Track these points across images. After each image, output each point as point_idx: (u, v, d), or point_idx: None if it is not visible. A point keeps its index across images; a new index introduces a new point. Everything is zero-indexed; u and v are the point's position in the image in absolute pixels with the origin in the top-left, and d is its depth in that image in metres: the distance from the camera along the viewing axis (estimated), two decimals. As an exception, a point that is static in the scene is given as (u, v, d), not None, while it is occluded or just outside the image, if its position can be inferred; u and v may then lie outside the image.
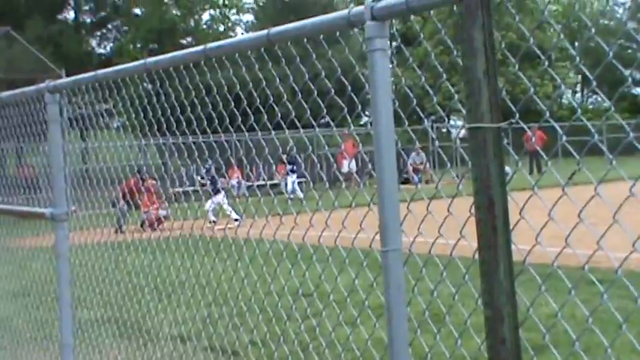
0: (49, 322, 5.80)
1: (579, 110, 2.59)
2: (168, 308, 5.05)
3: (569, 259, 2.42)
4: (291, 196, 26.70)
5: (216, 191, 19.38)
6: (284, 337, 3.68)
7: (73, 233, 4.98)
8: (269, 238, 3.55)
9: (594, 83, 2.83)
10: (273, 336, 3.74)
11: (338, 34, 2.98)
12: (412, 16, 2.69)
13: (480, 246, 2.24)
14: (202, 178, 18.20)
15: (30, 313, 6.28)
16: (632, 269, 4.78)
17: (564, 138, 2.30)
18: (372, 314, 3.12)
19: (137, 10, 49.21)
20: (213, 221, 17.31)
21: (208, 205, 18.51)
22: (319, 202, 3.16)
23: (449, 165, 3.16)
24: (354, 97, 3.19)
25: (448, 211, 2.56)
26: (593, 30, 2.28)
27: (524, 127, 2.90)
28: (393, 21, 2.81)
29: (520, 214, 2.34)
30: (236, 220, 17.77)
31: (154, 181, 15.43)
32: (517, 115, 2.48)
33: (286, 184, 27.84)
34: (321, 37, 3.07)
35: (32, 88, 5.04)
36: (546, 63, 2.67)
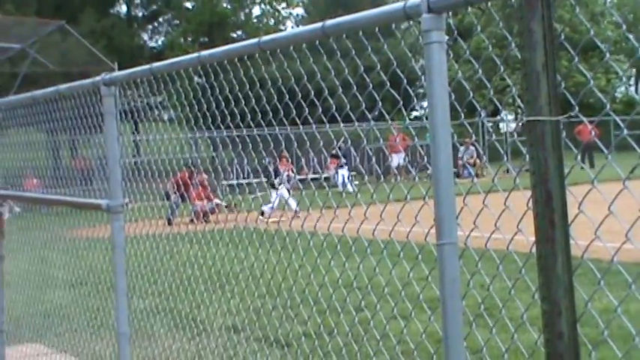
0: (106, 310, 5.90)
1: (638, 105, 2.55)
2: (221, 299, 5.10)
3: (623, 255, 2.39)
4: (343, 189, 26.74)
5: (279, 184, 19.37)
6: (337, 330, 3.70)
7: (127, 225, 5.05)
8: (323, 231, 3.56)
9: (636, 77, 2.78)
10: (327, 328, 3.76)
11: (393, 26, 2.98)
12: (469, 8, 2.67)
13: (537, 240, 2.23)
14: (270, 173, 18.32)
15: (86, 301, 6.40)
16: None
17: (625, 131, 2.27)
18: (427, 307, 3.12)
19: (188, 4, 49.61)
20: (267, 214, 17.23)
21: (274, 198, 18.38)
22: (374, 195, 3.16)
23: (506, 158, 3.14)
24: (408, 89, 3.18)
25: (505, 204, 2.54)
26: None
27: (584, 119, 2.86)
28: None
29: (579, 208, 2.32)
30: (295, 212, 17.76)
31: (205, 176, 15.52)
32: (577, 109, 2.45)
33: (337, 178, 27.86)
34: (376, 29, 3.06)
35: (88, 80, 5.10)
36: (606, 54, 2.63)
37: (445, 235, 2.57)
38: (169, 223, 13.88)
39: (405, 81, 3.06)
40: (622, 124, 2.35)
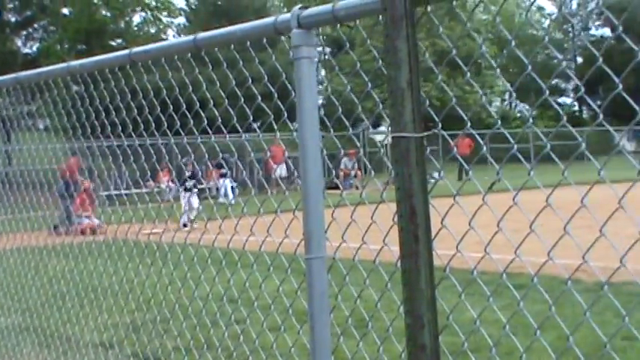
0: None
1: (498, 119, 2.59)
2: (90, 315, 4.97)
3: (492, 265, 2.46)
4: (223, 200, 26.59)
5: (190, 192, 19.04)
6: (208, 344, 3.67)
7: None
8: (195, 244, 3.52)
9: (511, 90, 2.88)
10: (197, 343, 3.72)
11: (265, 40, 2.98)
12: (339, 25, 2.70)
13: (401, 254, 2.26)
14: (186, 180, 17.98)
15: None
16: (549, 274, 4.89)
17: (484, 146, 2.35)
18: (297, 321, 3.13)
19: (65, 10, 48.31)
20: (185, 225, 16.88)
21: (184, 207, 17.96)
22: (244, 209, 3.15)
23: (372, 173, 3.18)
24: (280, 103, 3.19)
25: (372, 219, 2.57)
26: (513, 42, 2.31)
27: (446, 136, 2.94)
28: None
29: (442, 222, 2.38)
30: (192, 221, 17.45)
31: (90, 184, 15.10)
32: (440, 125, 2.51)
33: (218, 189, 27.66)
34: (249, 42, 3.06)
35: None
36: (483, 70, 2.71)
37: (313, 249, 2.59)
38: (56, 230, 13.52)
39: (279, 94, 3.06)
40: (481, 140, 2.42)
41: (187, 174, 18.95)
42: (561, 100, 60.46)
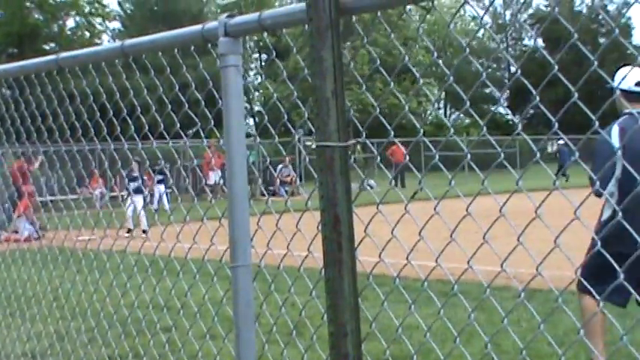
0: None
1: (421, 129, 2.61)
2: (12, 325, 4.87)
3: (421, 270, 2.49)
4: (157, 207, 26.35)
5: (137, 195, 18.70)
6: (133, 353, 3.63)
7: None
8: (121, 251, 3.49)
9: (441, 100, 2.93)
10: (123, 351, 3.68)
11: (193, 48, 2.97)
12: (266, 33, 2.71)
13: (325, 263, 2.28)
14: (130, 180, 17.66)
15: None
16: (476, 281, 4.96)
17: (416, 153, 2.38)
18: (222, 328, 3.12)
19: (-5, 13, 47.35)
20: (129, 230, 16.57)
21: (130, 212, 17.58)
22: (171, 217, 3.13)
23: (300, 181, 3.20)
24: (211, 110, 3.18)
25: (297, 227, 2.59)
26: (467, 50, 2.35)
27: (370, 145, 2.96)
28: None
29: (365, 231, 2.40)
30: (144, 231, 17.16)
31: (33, 187, 14.80)
32: (364, 135, 2.54)
33: (152, 195, 27.39)
34: (177, 49, 3.04)
35: None
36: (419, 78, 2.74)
37: (239, 258, 2.59)
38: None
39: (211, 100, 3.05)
40: (403, 148, 2.45)
41: (133, 175, 18.69)
42: (494, 108, 61.46)
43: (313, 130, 2.33)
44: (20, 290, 4.52)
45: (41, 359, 5.40)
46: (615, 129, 5.09)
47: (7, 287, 4.60)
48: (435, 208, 2.20)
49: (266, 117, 3.15)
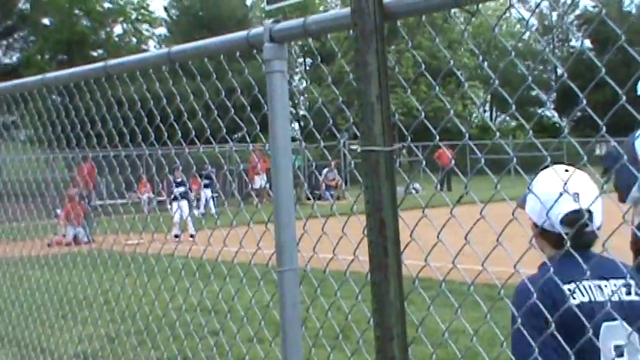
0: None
1: (468, 132, 2.61)
2: (65, 327, 4.95)
3: (467, 273, 2.47)
4: (204, 211, 26.56)
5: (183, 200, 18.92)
6: (182, 356, 3.67)
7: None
8: (168, 255, 3.53)
9: (486, 104, 2.92)
10: (171, 354, 3.72)
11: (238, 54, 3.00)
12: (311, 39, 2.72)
13: (371, 267, 2.28)
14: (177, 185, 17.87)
15: None
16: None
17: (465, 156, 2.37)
18: (269, 332, 3.14)
19: (46, 21, 48.16)
20: (177, 235, 16.73)
21: (177, 217, 17.79)
22: (217, 221, 3.16)
23: (345, 185, 3.21)
24: (256, 114, 3.19)
25: (342, 231, 2.60)
26: (512, 53, 2.34)
27: (415, 149, 2.96)
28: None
29: (410, 235, 2.40)
30: (192, 236, 17.39)
31: (76, 190, 14.99)
32: (409, 139, 2.54)
33: (199, 200, 27.61)
34: (223, 55, 3.07)
35: None
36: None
37: (285, 262, 2.61)
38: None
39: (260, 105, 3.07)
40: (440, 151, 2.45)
41: (178, 180, 18.87)
42: (540, 111, 60.75)
43: (358, 134, 2.34)
44: (72, 293, 4.60)
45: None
46: None
47: (60, 290, 4.69)
48: (481, 212, 2.19)
49: (311, 121, 3.16)
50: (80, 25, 47.16)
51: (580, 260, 2.08)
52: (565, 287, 2.41)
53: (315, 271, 2.84)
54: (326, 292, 2.85)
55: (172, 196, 18.96)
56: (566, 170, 2.51)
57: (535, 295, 2.21)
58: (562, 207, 2.45)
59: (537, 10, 65.40)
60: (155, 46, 52.42)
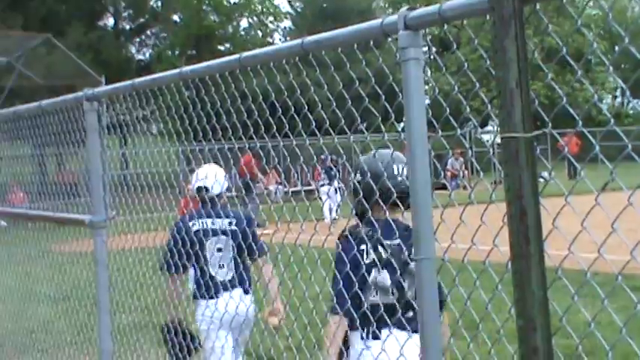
0: (89, 326, 5.88)
1: (611, 118, 2.50)
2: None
3: (606, 266, 2.40)
4: (340, 201, 26.81)
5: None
6: (319, 345, 3.71)
7: (112, 238, 5.03)
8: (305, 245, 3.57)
9: (624, 87, 2.81)
10: (308, 342, 3.77)
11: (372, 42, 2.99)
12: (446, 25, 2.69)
13: (512, 256, 2.24)
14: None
15: (70, 317, 6.37)
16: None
17: (597, 143, 2.30)
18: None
19: (175, 17, 49.64)
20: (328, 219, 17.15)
21: (327, 207, 18.22)
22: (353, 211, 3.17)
23: (481, 174, 3.16)
24: (387, 104, 3.18)
25: (481, 220, 2.56)
26: (627, 38, 2.26)
27: (556, 135, 2.91)
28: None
29: (553, 224, 2.34)
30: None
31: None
32: (549, 125, 2.48)
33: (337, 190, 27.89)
34: (358, 44, 3.07)
35: (71, 96, 5.09)
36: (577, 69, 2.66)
37: (423, 250, 2.59)
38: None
39: (386, 95, 3.05)
40: (592, 138, 2.37)
41: (328, 166, 19.14)
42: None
43: (485, 122, 2.30)
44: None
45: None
46: None
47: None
48: (628, 199, 2.12)
49: (430, 111, 3.11)
50: (208, 20, 48.33)
51: None
52: None
53: (451, 260, 2.81)
54: (464, 282, 2.82)
55: (320, 184, 19.18)
56: None
57: None
58: None
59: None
60: (280, 39, 53.13)
